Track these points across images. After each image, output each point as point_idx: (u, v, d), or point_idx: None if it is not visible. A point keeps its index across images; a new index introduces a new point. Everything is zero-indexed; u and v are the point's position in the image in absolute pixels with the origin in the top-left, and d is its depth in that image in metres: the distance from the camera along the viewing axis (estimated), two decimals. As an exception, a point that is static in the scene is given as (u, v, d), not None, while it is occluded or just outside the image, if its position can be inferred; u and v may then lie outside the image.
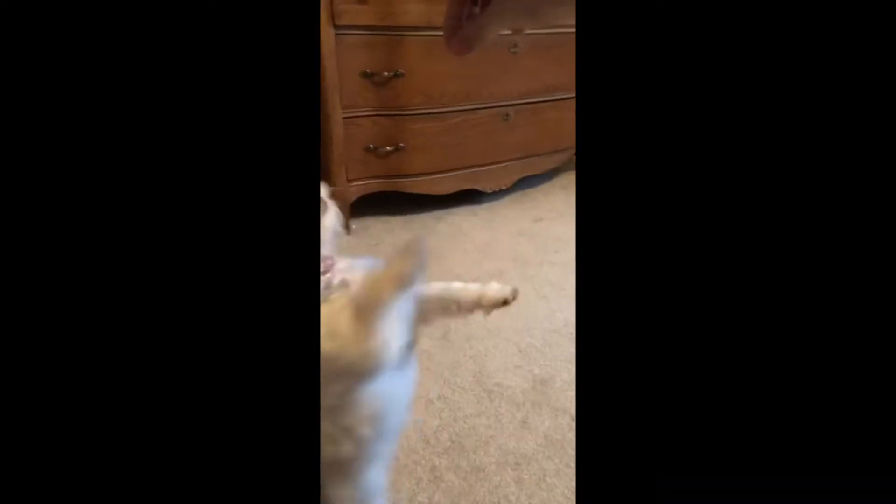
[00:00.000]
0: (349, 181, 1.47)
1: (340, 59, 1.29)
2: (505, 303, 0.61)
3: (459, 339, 1.12)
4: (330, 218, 0.58)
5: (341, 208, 1.51)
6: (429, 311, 0.60)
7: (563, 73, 1.60)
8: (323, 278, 0.52)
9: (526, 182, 1.80)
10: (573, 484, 0.81)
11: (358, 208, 1.56)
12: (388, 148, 1.45)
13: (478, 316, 1.20)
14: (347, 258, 0.57)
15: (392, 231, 1.55)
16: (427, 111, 1.44)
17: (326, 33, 1.25)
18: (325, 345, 0.45)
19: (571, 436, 0.89)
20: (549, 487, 0.80)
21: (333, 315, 0.47)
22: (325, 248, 0.55)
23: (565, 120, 1.71)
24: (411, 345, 0.54)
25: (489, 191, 1.68)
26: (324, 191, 0.60)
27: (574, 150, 1.79)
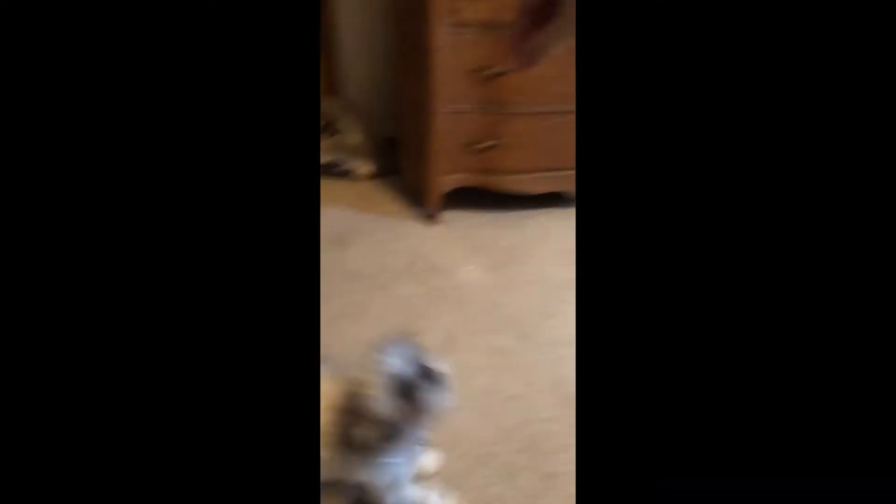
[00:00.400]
0: (444, 174, 1.51)
1: (451, 55, 1.33)
2: None
3: (542, 341, 1.13)
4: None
5: (434, 198, 1.55)
6: None
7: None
8: None
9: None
10: None
11: (450, 201, 1.60)
12: (484, 143, 1.47)
13: (560, 320, 1.19)
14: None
15: (480, 227, 1.58)
16: (526, 111, 1.44)
17: (442, 29, 1.29)
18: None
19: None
20: None
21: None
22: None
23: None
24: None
25: (581, 195, 1.65)
26: (444, 366, 0.62)
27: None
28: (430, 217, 1.58)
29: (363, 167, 1.85)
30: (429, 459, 0.80)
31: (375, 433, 0.58)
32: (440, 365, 0.61)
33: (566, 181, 1.60)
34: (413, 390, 0.58)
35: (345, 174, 1.84)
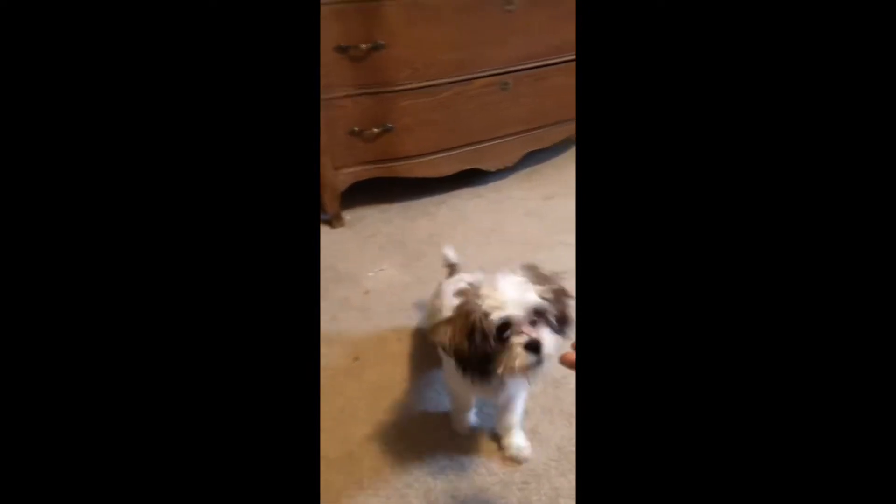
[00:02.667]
0: (336, 168, 1.34)
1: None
2: None
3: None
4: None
5: (330, 199, 1.38)
6: None
7: (566, 31, 1.42)
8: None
9: (533, 157, 1.64)
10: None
11: (350, 198, 1.43)
12: (374, 129, 1.31)
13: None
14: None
15: (390, 220, 1.43)
16: (414, 86, 1.30)
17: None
18: None
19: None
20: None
21: None
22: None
23: (573, 86, 1.53)
24: None
25: (493, 169, 1.53)
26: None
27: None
28: (330, 220, 1.41)
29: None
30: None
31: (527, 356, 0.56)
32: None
33: (474, 156, 1.47)
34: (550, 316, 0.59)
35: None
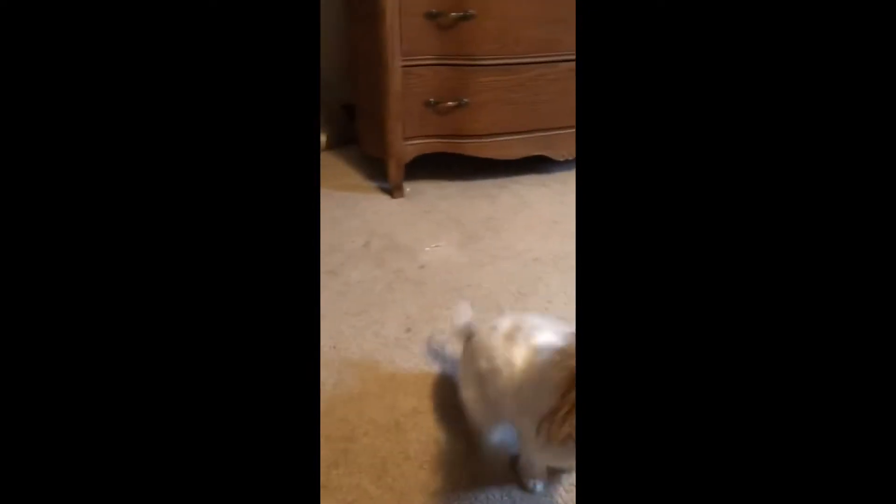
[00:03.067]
0: (406, 139, 1.32)
1: (403, -4, 1.13)
2: None
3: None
4: None
5: (395, 168, 1.37)
6: None
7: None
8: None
9: (604, 153, 1.58)
10: None
11: (413, 170, 1.41)
12: (450, 103, 1.28)
13: (535, 300, 1.03)
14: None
15: (448, 198, 1.40)
16: (498, 62, 1.25)
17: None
18: None
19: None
20: None
21: None
22: None
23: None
24: None
25: (562, 159, 1.48)
26: None
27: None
28: (391, 190, 1.40)
29: (318, 138, 1.66)
30: None
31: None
32: None
33: (545, 143, 1.42)
34: None
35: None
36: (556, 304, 1.02)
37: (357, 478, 0.68)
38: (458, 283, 1.08)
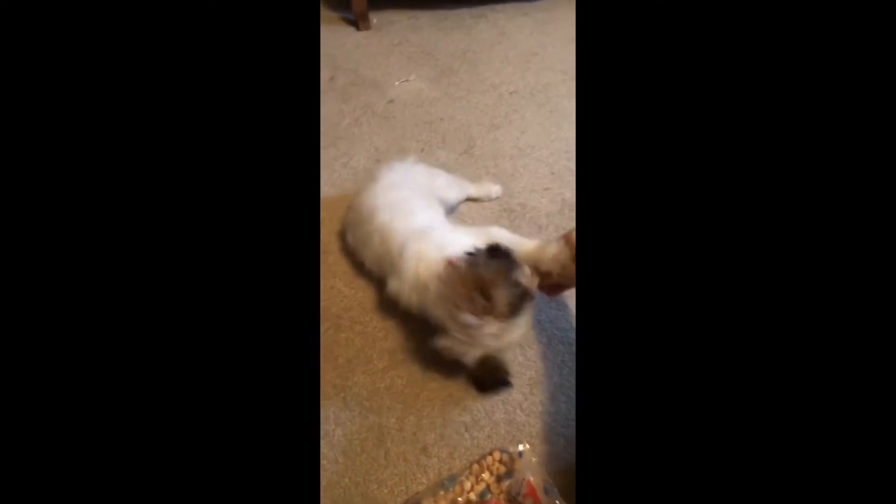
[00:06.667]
0: (367, -44, 1.16)
1: None
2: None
3: (484, 154, 0.95)
4: None
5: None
6: None
7: None
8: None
9: (593, -25, 1.41)
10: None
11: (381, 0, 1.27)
12: None
13: (506, 131, 1.00)
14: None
15: (419, 29, 1.28)
16: None
17: None
18: None
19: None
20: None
21: None
22: None
23: None
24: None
25: (545, -18, 1.33)
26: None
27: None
28: (355, 21, 1.26)
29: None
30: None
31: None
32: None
33: (526, -38, 1.26)
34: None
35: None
36: (529, 136, 0.99)
37: (331, 281, 0.71)
38: (429, 116, 1.04)
